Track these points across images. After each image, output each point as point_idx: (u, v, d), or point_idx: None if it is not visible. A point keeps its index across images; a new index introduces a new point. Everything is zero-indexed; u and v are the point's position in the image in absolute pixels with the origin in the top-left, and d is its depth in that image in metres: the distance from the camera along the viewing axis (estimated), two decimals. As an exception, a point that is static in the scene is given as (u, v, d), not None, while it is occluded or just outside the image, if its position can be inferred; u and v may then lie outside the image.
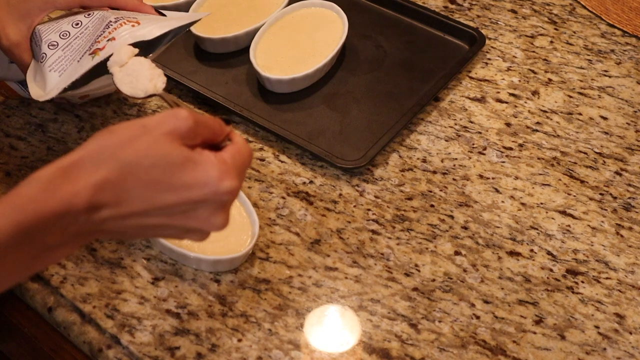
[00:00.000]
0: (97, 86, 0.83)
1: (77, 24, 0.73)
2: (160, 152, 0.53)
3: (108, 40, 0.70)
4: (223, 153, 0.56)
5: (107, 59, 0.69)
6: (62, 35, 0.73)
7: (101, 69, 0.70)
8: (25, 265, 0.54)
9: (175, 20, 0.75)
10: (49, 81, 0.71)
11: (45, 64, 0.72)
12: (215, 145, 0.57)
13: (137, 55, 0.69)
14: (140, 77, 0.67)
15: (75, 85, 0.70)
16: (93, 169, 0.52)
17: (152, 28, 0.71)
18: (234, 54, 0.95)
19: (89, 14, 0.74)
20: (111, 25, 0.71)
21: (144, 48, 0.71)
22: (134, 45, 0.70)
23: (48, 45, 0.72)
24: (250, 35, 0.94)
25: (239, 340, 0.69)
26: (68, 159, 0.53)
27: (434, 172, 0.84)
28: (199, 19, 0.79)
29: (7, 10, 0.72)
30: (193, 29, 0.94)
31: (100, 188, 0.52)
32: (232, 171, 0.55)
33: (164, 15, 0.76)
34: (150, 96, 0.67)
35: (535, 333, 0.71)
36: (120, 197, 0.53)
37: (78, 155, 0.53)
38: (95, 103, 0.89)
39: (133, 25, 0.71)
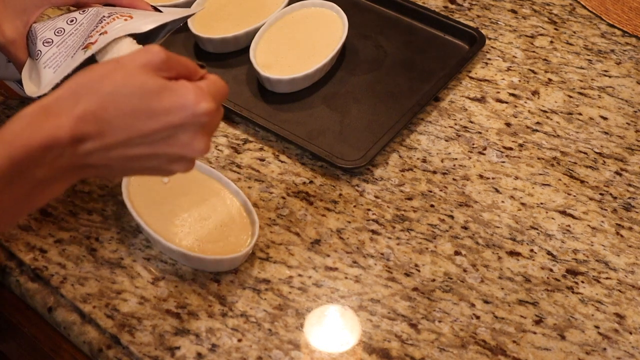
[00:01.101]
0: None
1: (72, 21, 0.73)
2: (137, 81, 0.55)
3: (100, 34, 0.70)
4: (199, 82, 0.58)
5: (99, 51, 0.69)
6: (57, 32, 0.73)
7: (94, 63, 0.70)
8: (19, 203, 0.56)
9: (169, 14, 0.75)
10: (43, 78, 0.71)
11: (40, 60, 0.72)
12: None
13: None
14: None
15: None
16: (73, 103, 0.54)
17: (146, 22, 0.72)
18: (234, 54, 0.95)
19: (83, 11, 0.74)
20: (104, 20, 0.71)
21: (139, 43, 0.72)
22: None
23: (43, 43, 0.72)
24: (250, 35, 0.94)
25: (239, 340, 0.69)
26: (49, 97, 0.55)
27: (434, 172, 0.84)
28: (194, 14, 0.79)
29: (4, 7, 0.73)
30: (193, 29, 0.94)
31: (81, 119, 0.54)
32: (208, 95, 0.57)
33: (160, 11, 0.76)
34: None
35: (535, 333, 0.71)
36: (102, 128, 0.55)
37: (58, 94, 0.55)
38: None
39: (126, 20, 0.71)
